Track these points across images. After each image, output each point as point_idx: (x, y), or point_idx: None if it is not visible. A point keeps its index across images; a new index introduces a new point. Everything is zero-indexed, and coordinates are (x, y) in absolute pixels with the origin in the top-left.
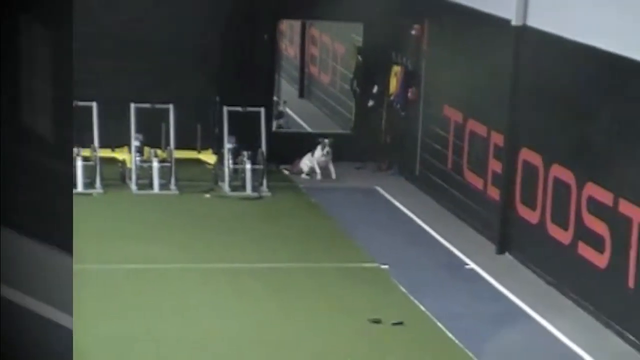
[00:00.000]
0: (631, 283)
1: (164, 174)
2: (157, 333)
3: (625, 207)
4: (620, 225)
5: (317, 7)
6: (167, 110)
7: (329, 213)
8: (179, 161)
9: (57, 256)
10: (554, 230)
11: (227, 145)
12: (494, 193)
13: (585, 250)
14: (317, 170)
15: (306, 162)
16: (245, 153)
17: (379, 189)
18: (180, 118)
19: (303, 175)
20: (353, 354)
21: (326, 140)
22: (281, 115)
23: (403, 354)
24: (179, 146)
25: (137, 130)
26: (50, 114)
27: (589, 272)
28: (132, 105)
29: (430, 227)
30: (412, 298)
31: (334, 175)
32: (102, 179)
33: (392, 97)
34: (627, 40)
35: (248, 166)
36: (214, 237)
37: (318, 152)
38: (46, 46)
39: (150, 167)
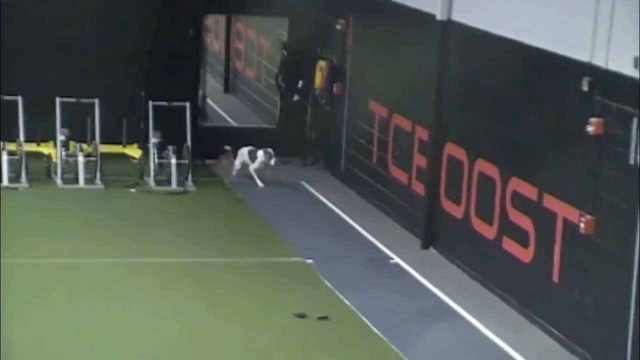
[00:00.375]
0: (556, 278)
1: (90, 168)
2: (86, 329)
3: (550, 202)
4: (545, 220)
5: (243, 2)
6: (93, 104)
7: (255, 208)
8: (105, 156)
9: None
10: (479, 225)
11: (153, 140)
12: (419, 188)
13: (510, 245)
14: (256, 178)
15: (237, 163)
16: (170, 147)
17: (304, 183)
18: (106, 113)
19: (233, 173)
20: (278, 348)
21: (270, 150)
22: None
23: (328, 348)
24: (105, 141)
25: (63, 125)
26: None
27: (514, 267)
28: (58, 100)
29: (355, 221)
30: (337, 293)
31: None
32: (27, 173)
33: (317, 92)
34: (552, 34)
35: (173, 161)
36: (140, 232)
37: (260, 158)
38: None
39: (76, 162)
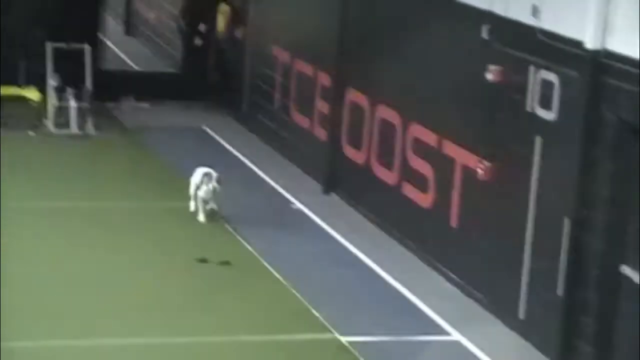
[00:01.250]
0: (454, 222)
1: None
2: None
3: (449, 148)
4: (444, 166)
5: None
6: None
7: (156, 152)
8: (2, 98)
9: None
10: (380, 171)
11: (52, 83)
12: (321, 133)
13: (409, 191)
14: (201, 214)
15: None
16: (70, 90)
17: (206, 128)
18: (4, 54)
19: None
20: (179, 292)
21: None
22: None
23: (230, 292)
24: (2, 82)
25: None
26: None
27: (414, 212)
28: None
29: (257, 166)
30: (238, 237)
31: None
32: None
33: (219, 36)
34: None
35: (73, 104)
36: (38, 176)
37: (203, 187)
38: None
39: None
